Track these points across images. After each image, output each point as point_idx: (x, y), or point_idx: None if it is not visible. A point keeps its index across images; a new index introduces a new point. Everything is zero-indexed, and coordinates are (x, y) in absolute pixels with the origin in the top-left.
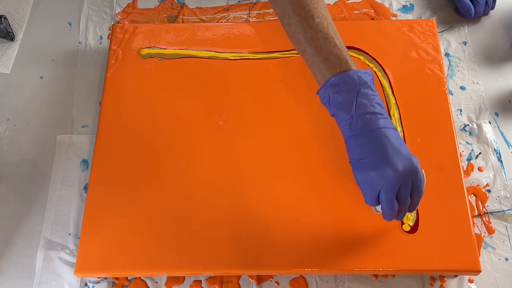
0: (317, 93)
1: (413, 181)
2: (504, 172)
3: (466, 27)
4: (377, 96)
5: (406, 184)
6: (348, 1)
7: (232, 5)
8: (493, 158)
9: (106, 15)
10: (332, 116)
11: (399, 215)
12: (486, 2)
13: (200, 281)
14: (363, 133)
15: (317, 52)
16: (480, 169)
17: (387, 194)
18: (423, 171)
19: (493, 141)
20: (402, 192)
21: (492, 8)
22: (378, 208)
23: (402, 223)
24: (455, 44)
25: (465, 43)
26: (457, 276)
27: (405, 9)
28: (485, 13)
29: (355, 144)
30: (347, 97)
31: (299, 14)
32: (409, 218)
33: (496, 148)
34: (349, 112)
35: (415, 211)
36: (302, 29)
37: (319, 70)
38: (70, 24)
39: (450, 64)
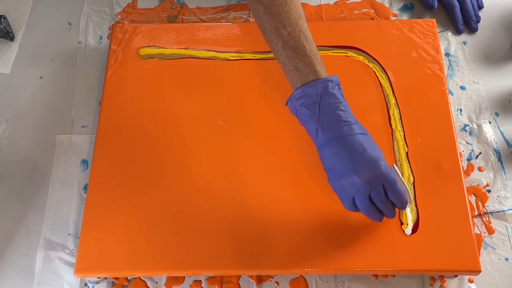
0: (286, 105)
1: (383, 183)
2: (504, 172)
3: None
4: (341, 102)
5: (377, 188)
6: (348, 1)
7: (232, 5)
8: (493, 158)
9: (106, 15)
10: (302, 125)
11: (387, 214)
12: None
13: (200, 281)
14: (329, 143)
15: (288, 61)
16: (480, 169)
17: (360, 200)
18: (397, 169)
19: (493, 141)
20: (375, 196)
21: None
22: None
23: (402, 223)
24: (455, 44)
25: (465, 43)
26: (457, 276)
27: (405, 9)
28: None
29: (325, 154)
30: (311, 109)
31: (272, 24)
32: (409, 218)
33: (496, 148)
34: (314, 123)
35: (409, 207)
36: (274, 37)
37: (290, 79)
38: (70, 24)
39: (450, 64)
